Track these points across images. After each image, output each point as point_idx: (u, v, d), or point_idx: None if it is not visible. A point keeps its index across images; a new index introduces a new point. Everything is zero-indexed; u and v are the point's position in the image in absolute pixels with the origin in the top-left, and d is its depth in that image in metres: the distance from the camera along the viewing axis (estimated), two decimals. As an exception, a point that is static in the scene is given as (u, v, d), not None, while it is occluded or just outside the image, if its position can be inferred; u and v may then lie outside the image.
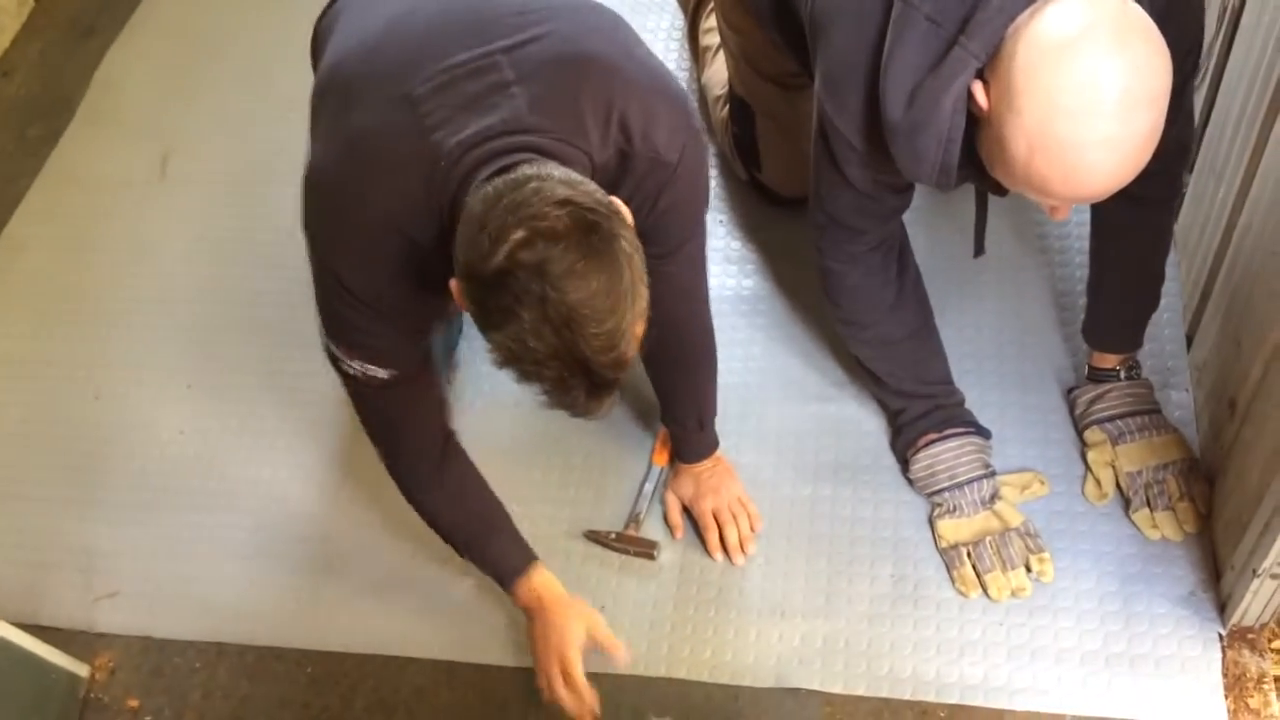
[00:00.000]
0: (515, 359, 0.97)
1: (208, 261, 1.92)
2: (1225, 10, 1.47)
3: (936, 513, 1.49)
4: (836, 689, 1.40)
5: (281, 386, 1.75)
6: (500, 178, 1.00)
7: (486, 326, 0.98)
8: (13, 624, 1.43)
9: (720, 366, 1.66)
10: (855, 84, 1.17)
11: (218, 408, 1.75)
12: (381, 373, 1.20)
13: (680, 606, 1.48)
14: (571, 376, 0.97)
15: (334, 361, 1.21)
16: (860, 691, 1.39)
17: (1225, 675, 1.35)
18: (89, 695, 1.51)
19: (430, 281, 1.10)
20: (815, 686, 1.40)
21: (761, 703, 1.41)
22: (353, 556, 1.58)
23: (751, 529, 1.52)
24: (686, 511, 1.55)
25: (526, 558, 1.40)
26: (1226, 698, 1.33)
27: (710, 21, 1.89)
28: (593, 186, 0.99)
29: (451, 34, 1.13)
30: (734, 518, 1.52)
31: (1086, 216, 1.72)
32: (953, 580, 1.45)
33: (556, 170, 1.00)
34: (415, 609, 1.52)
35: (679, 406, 1.49)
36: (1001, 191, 1.19)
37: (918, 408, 1.52)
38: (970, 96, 1.07)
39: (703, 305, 1.40)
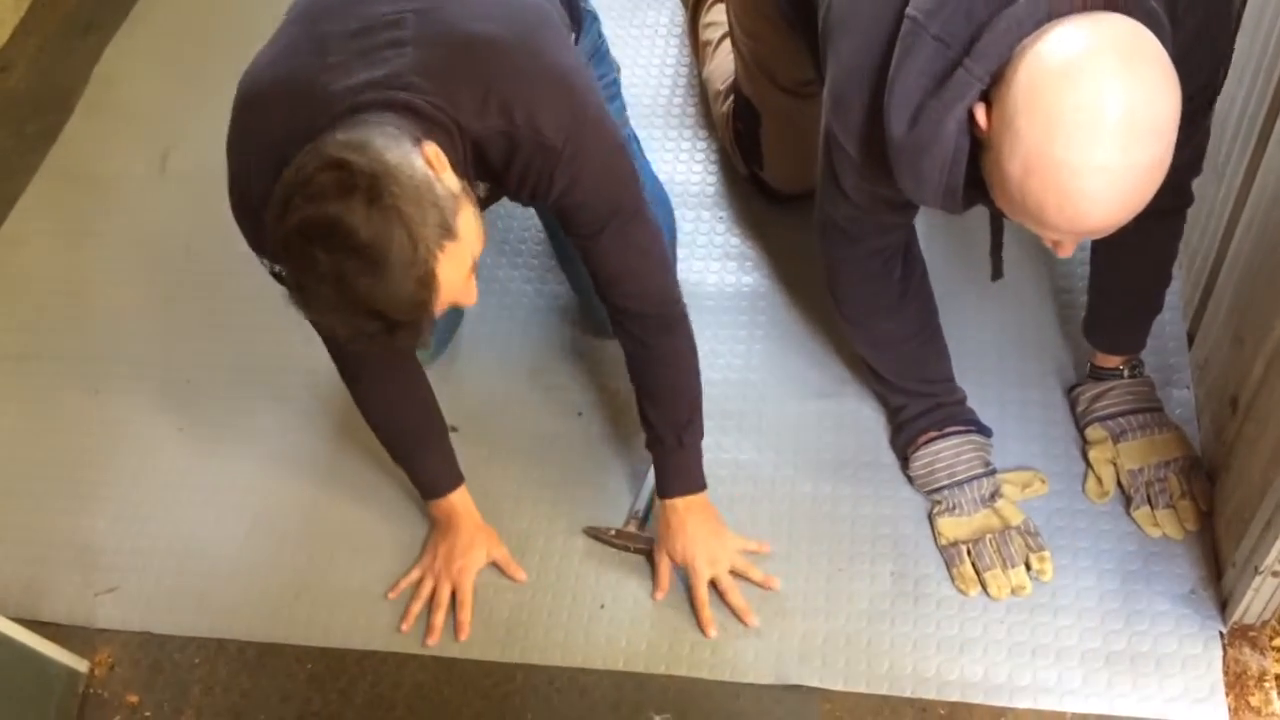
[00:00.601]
0: (309, 315, 1.07)
1: (207, 257, 1.91)
2: (1239, 17, 1.46)
3: (936, 510, 1.49)
4: (837, 686, 1.40)
5: (281, 383, 1.75)
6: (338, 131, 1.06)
7: (291, 291, 1.06)
8: (12, 619, 1.43)
9: (719, 363, 1.67)
10: (859, 97, 1.15)
11: (217, 404, 1.75)
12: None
13: (680, 603, 1.48)
14: (365, 324, 1.04)
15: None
16: (860, 689, 1.39)
17: (1226, 673, 1.35)
18: (88, 691, 1.50)
19: None
20: (815, 684, 1.40)
21: (762, 700, 1.40)
22: (352, 552, 1.58)
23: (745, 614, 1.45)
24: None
25: (455, 480, 1.50)
26: (1227, 696, 1.33)
27: (710, 16, 1.88)
28: (379, 148, 1.03)
29: None
30: (734, 584, 1.45)
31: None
32: (952, 578, 1.45)
33: (378, 132, 1.05)
34: (416, 605, 1.52)
35: (651, 413, 1.42)
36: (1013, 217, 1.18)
37: (918, 405, 1.51)
38: (972, 119, 1.05)
39: (655, 293, 1.36)
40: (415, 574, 1.53)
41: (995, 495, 1.48)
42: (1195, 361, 1.57)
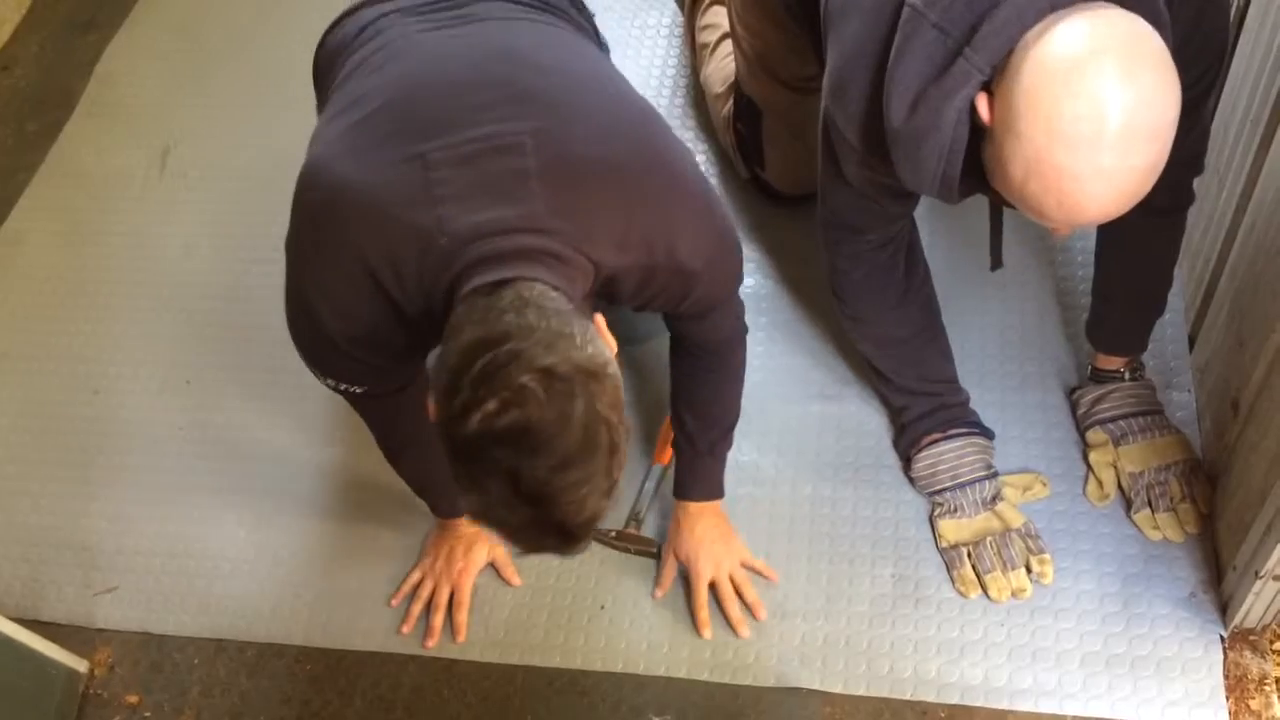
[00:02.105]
0: (486, 521, 0.97)
1: (207, 256, 1.91)
2: (1240, 20, 1.46)
3: (937, 512, 1.49)
4: (837, 689, 1.40)
5: (281, 383, 1.74)
6: (489, 299, 0.97)
7: (458, 485, 0.95)
8: (12, 619, 1.43)
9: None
10: (858, 84, 1.15)
11: (217, 404, 1.75)
12: (357, 389, 1.20)
13: (680, 605, 1.48)
14: (543, 537, 0.96)
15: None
16: (861, 691, 1.39)
17: (1227, 677, 1.35)
18: (88, 691, 1.50)
19: (408, 337, 1.11)
20: (816, 686, 1.40)
21: (762, 702, 1.40)
22: (353, 553, 1.58)
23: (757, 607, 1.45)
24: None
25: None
26: (1228, 699, 1.33)
27: (708, 18, 1.88)
28: (577, 341, 0.94)
29: (483, 95, 1.10)
30: (734, 591, 1.45)
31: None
32: (953, 580, 1.45)
33: (547, 306, 0.96)
34: (416, 607, 1.52)
35: (689, 419, 1.41)
36: (1011, 203, 1.19)
37: (921, 406, 1.51)
38: (973, 109, 1.05)
39: (730, 330, 1.34)
40: (415, 576, 1.53)
41: (996, 498, 1.48)
42: (1196, 364, 1.57)
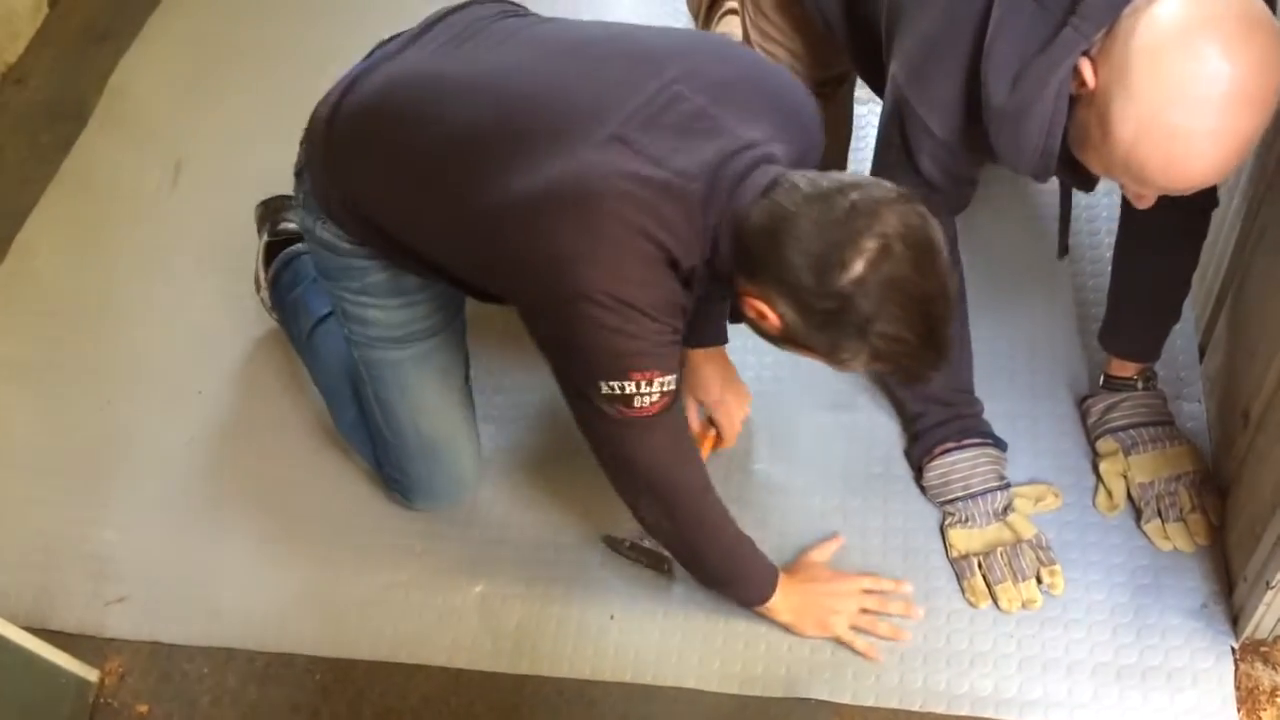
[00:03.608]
0: (881, 356, 1.10)
1: (219, 268, 1.92)
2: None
3: (948, 522, 1.49)
4: (845, 699, 1.39)
5: (291, 395, 1.75)
6: (778, 193, 1.10)
7: (854, 333, 1.08)
8: (23, 628, 1.43)
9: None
10: (947, 70, 1.17)
11: (227, 415, 1.75)
12: (672, 382, 1.19)
13: (690, 615, 1.48)
14: (927, 350, 1.10)
15: (620, 409, 1.18)
16: (870, 703, 1.39)
17: (1238, 688, 1.34)
18: (99, 700, 1.51)
19: (680, 291, 1.17)
20: (825, 697, 1.39)
21: (770, 712, 1.40)
22: (361, 562, 1.58)
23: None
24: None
25: (773, 568, 1.41)
26: (1239, 711, 1.32)
27: (722, 26, 1.88)
28: (866, 178, 1.11)
29: (604, 76, 1.19)
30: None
31: (1095, 225, 1.74)
32: (963, 590, 1.45)
33: (815, 176, 1.10)
34: (424, 616, 1.52)
35: None
36: (1088, 185, 1.19)
37: (936, 415, 1.51)
38: (1076, 75, 1.07)
39: None
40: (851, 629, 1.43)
41: (1008, 509, 1.48)
42: (1207, 374, 1.57)
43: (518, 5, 1.39)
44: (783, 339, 1.16)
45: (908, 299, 1.06)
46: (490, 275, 1.25)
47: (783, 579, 1.41)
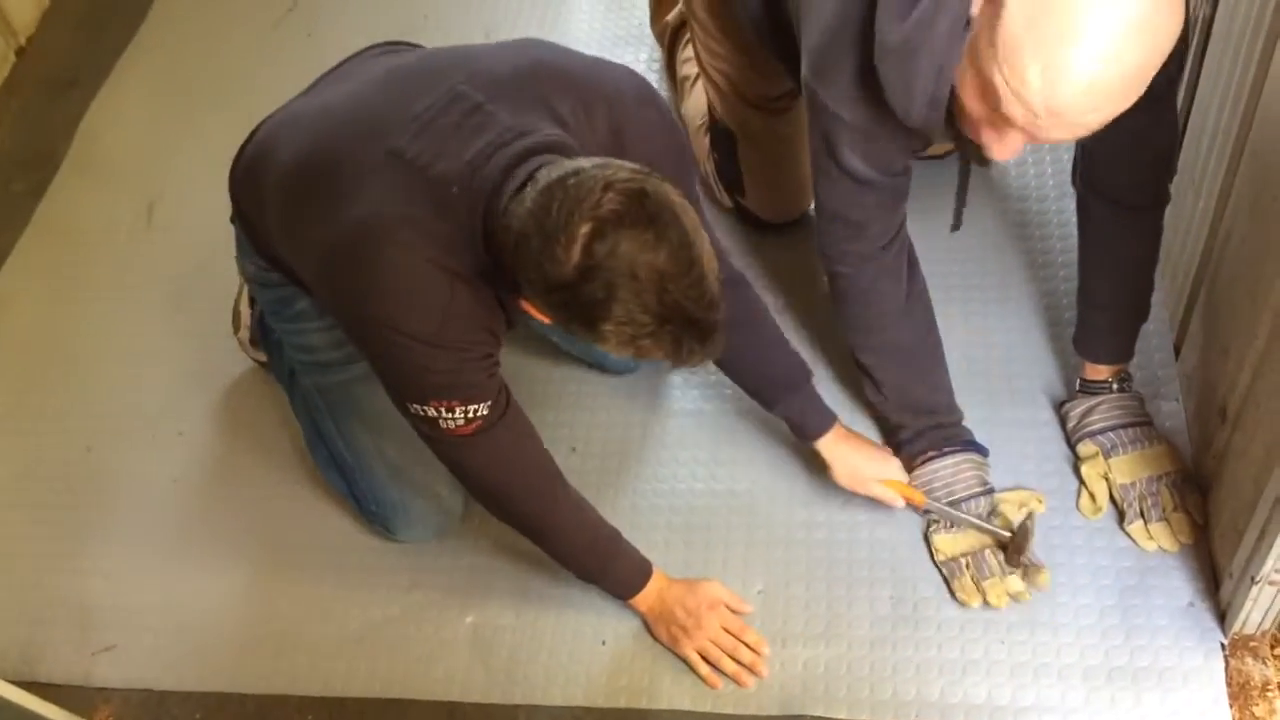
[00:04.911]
0: (630, 339, 1.05)
1: (195, 309, 1.92)
2: (1196, 21, 1.48)
3: (932, 528, 1.49)
4: (841, 715, 1.39)
5: (273, 434, 1.75)
6: (529, 187, 1.06)
7: (589, 322, 1.04)
8: (11, 682, 1.42)
9: (710, 393, 1.68)
10: (844, 49, 1.18)
11: (209, 456, 1.75)
12: (482, 408, 1.21)
13: (681, 637, 1.48)
14: (681, 332, 1.05)
15: (430, 428, 1.23)
16: (865, 717, 1.39)
17: (1229, 684, 1.34)
18: (89, 751, 1.50)
19: (480, 306, 1.18)
20: (820, 713, 1.39)
21: (766, 731, 1.40)
22: (350, 599, 1.57)
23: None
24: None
25: (646, 562, 1.43)
26: (1231, 707, 1.33)
27: (687, 52, 1.90)
28: (615, 160, 1.06)
29: (403, 93, 1.21)
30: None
31: (1067, 230, 1.75)
32: (953, 592, 1.45)
33: (573, 161, 1.06)
34: (415, 650, 1.52)
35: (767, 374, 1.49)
36: (984, 161, 1.18)
37: (917, 424, 1.52)
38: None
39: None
40: (700, 662, 1.44)
41: (992, 514, 1.48)
42: (1183, 373, 1.58)
43: (403, 44, 1.45)
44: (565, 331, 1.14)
45: (634, 279, 1.01)
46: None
47: (665, 582, 1.44)
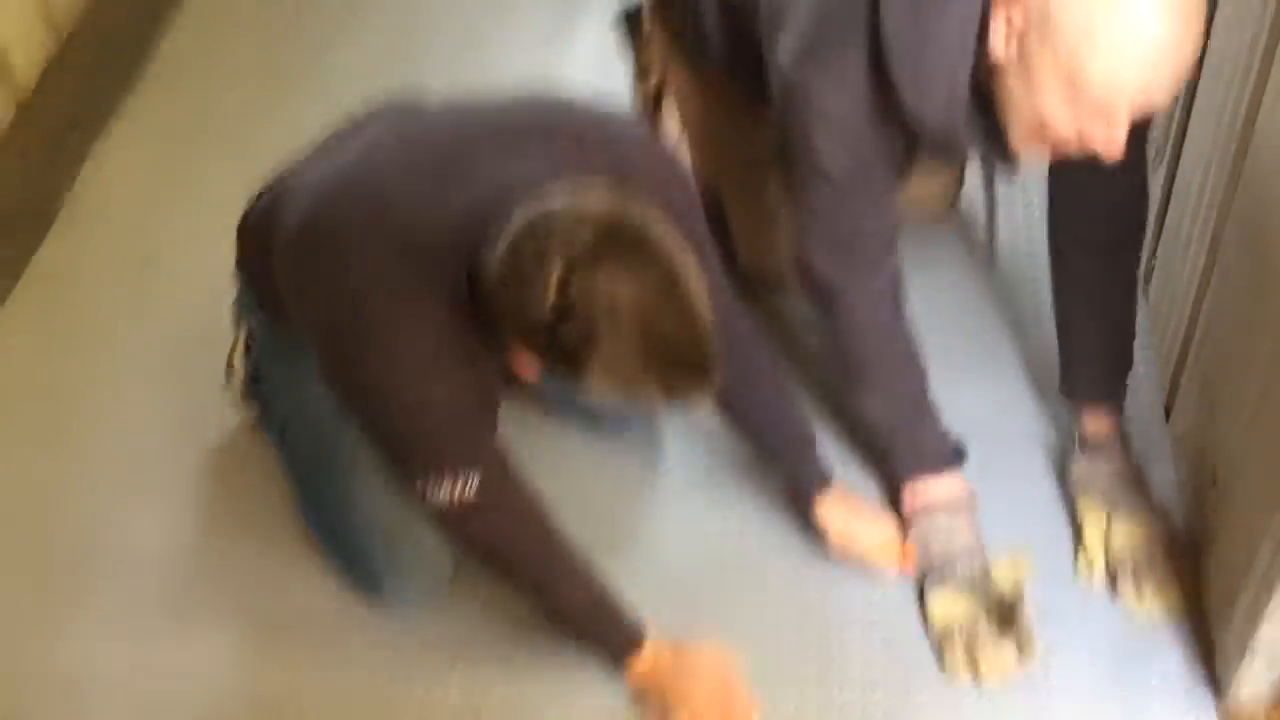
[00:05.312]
0: (618, 385, 0.99)
1: (189, 366, 1.91)
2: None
3: (928, 580, 1.48)
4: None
5: (264, 492, 1.73)
6: (505, 232, 1.01)
7: (573, 370, 0.99)
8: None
9: (700, 441, 1.66)
10: (848, 39, 1.15)
11: (199, 518, 1.73)
12: (474, 476, 1.18)
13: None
14: (672, 373, 0.99)
15: (424, 499, 1.21)
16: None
17: (1226, 753, 1.33)
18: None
19: (474, 372, 1.16)
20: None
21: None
22: (342, 660, 1.55)
23: None
24: None
25: (640, 625, 1.36)
26: (1227, 776, 1.32)
27: (670, 117, 1.91)
28: (593, 186, 1.02)
29: (410, 160, 1.20)
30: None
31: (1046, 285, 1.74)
32: (943, 665, 1.43)
33: (546, 198, 1.01)
34: (404, 709, 1.50)
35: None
36: (1009, 158, 1.16)
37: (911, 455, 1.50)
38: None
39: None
40: None
41: (986, 575, 1.47)
42: (1174, 434, 1.58)
43: (416, 99, 1.41)
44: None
45: (613, 315, 0.95)
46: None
47: (658, 648, 1.36)
